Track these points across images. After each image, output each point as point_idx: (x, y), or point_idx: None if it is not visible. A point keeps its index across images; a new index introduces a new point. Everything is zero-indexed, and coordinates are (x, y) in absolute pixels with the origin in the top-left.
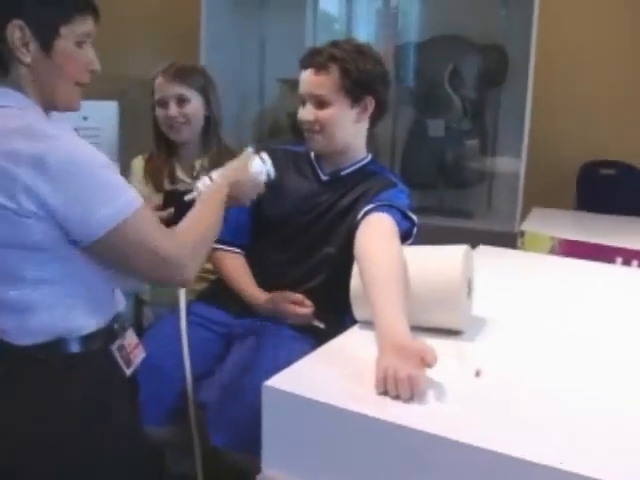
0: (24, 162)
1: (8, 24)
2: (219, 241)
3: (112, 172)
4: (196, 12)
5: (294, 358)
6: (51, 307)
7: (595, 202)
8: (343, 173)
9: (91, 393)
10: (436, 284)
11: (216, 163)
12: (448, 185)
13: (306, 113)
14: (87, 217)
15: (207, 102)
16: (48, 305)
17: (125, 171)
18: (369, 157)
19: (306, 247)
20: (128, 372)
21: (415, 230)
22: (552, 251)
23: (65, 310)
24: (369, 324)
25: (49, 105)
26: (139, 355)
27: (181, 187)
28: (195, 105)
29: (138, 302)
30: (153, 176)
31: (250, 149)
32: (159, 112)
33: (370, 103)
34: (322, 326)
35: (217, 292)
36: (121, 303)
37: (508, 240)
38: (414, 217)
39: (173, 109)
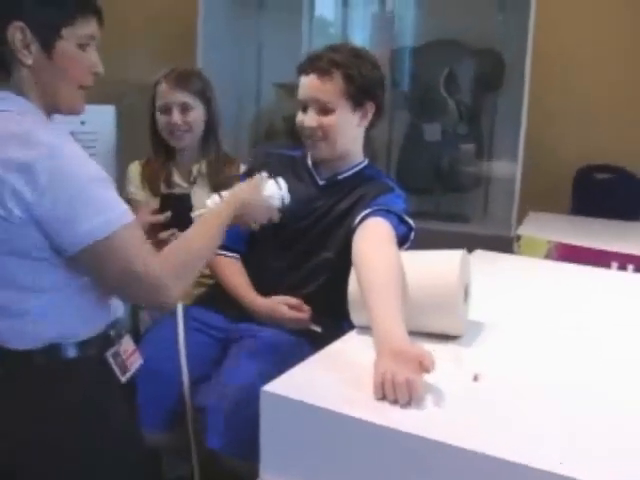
0: (14, 168)
1: (9, 26)
2: None
3: (103, 186)
4: (193, 16)
5: (291, 363)
6: (47, 313)
7: (590, 206)
8: (340, 177)
9: (90, 394)
10: (433, 289)
11: (214, 169)
12: (444, 189)
13: (309, 119)
14: (69, 229)
15: (208, 109)
16: (45, 311)
17: (121, 176)
18: (366, 161)
19: (304, 252)
20: (123, 379)
21: (412, 235)
22: (548, 255)
23: (61, 316)
24: (367, 329)
25: (52, 108)
26: (136, 362)
27: (177, 191)
28: (197, 113)
29: (134, 306)
30: (150, 181)
31: (264, 173)
32: (161, 118)
33: (370, 108)
34: (319, 331)
35: (215, 297)
36: (119, 309)
37: (504, 244)
38: (411, 222)
39: (176, 116)
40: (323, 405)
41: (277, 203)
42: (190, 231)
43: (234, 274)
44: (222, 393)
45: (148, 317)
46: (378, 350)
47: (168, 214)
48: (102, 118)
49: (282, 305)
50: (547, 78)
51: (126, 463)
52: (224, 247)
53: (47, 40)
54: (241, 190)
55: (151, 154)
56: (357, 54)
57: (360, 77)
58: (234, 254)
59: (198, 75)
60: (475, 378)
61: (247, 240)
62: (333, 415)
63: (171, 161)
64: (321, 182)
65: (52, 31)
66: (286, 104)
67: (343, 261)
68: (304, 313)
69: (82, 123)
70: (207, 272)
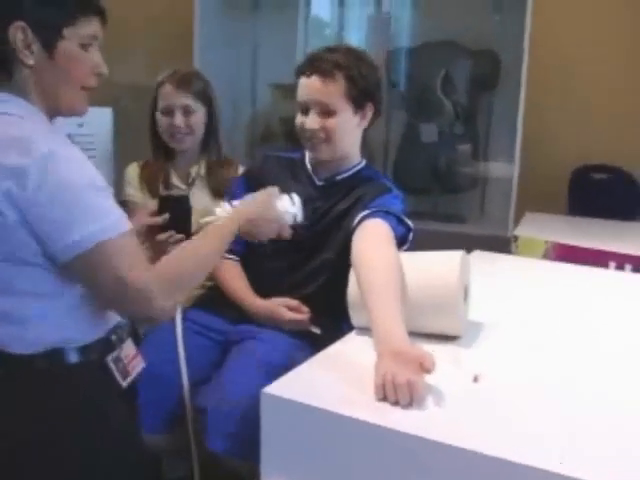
0: (11, 172)
1: (10, 26)
2: None
3: (98, 194)
4: (189, 18)
5: (291, 364)
6: (48, 319)
7: (587, 206)
8: (339, 178)
9: (90, 395)
10: (433, 289)
11: (212, 172)
12: (441, 190)
13: (311, 122)
14: (60, 237)
15: (209, 112)
16: (45, 317)
17: (118, 178)
18: (363, 162)
19: (303, 253)
20: (124, 384)
21: (411, 235)
22: (546, 256)
23: (61, 322)
24: (366, 330)
25: (53, 110)
26: (138, 366)
27: (175, 193)
28: (199, 116)
29: None
30: (149, 182)
31: (276, 188)
32: (163, 120)
33: (370, 109)
34: (318, 332)
35: (213, 299)
36: None
37: (501, 245)
38: (409, 222)
39: (179, 119)
40: (324, 406)
41: (289, 219)
42: (190, 244)
43: (233, 277)
44: (222, 395)
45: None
46: (378, 351)
47: (166, 216)
48: (99, 120)
49: (281, 307)
50: (543, 78)
51: (126, 463)
52: None
53: (48, 40)
54: (249, 204)
55: (147, 156)
56: (357, 55)
57: (361, 78)
58: (233, 256)
59: (200, 77)
60: (475, 379)
61: (246, 241)
62: (334, 416)
63: (169, 162)
64: (319, 183)
65: (53, 31)
66: (282, 105)
67: (342, 262)
68: (303, 315)
69: (79, 125)
70: None
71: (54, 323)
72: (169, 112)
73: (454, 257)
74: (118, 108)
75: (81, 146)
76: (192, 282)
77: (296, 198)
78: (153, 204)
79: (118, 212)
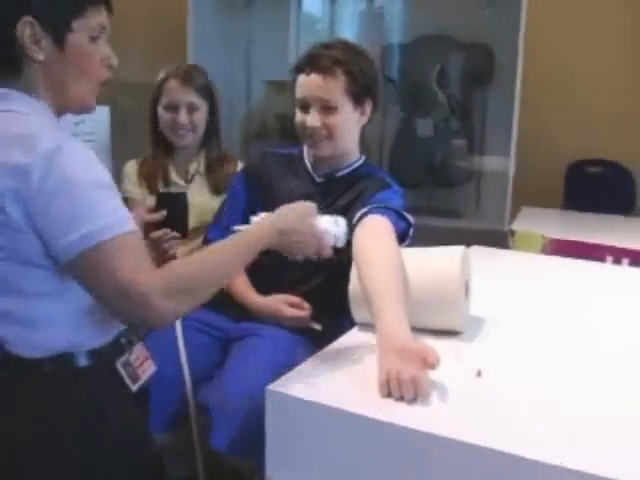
0: (16, 170)
1: (17, 22)
2: None
3: (103, 192)
4: (183, 16)
5: (292, 361)
6: (54, 322)
7: (582, 200)
8: (338, 175)
9: (91, 395)
10: (435, 285)
11: (212, 168)
12: (436, 185)
13: (312, 119)
14: (62, 234)
15: (211, 108)
16: (51, 320)
17: (115, 175)
18: (362, 158)
19: None
20: (134, 388)
21: (411, 231)
22: (543, 250)
23: (69, 325)
24: (368, 326)
25: (62, 107)
26: (149, 369)
27: (174, 189)
28: (202, 112)
29: None
30: (148, 179)
31: (314, 205)
32: (165, 115)
33: (369, 105)
34: (320, 328)
35: (214, 296)
36: None
37: (497, 239)
38: (410, 218)
39: (183, 116)
40: (328, 403)
41: (331, 240)
42: (209, 250)
43: None
44: (225, 393)
45: None
46: (382, 347)
47: (163, 213)
48: (97, 118)
49: (283, 304)
50: (538, 73)
51: (126, 464)
52: None
53: (58, 34)
54: (286, 214)
55: (144, 153)
56: (356, 50)
57: (361, 74)
58: None
59: (203, 72)
60: (478, 374)
61: None
62: (338, 412)
63: (169, 159)
64: (319, 180)
65: (62, 24)
66: (276, 101)
67: (343, 258)
68: (305, 311)
69: (77, 124)
70: None
71: (61, 327)
72: (173, 108)
73: (455, 253)
74: (115, 106)
75: None
76: (203, 287)
77: (341, 221)
78: (152, 201)
79: (123, 211)
